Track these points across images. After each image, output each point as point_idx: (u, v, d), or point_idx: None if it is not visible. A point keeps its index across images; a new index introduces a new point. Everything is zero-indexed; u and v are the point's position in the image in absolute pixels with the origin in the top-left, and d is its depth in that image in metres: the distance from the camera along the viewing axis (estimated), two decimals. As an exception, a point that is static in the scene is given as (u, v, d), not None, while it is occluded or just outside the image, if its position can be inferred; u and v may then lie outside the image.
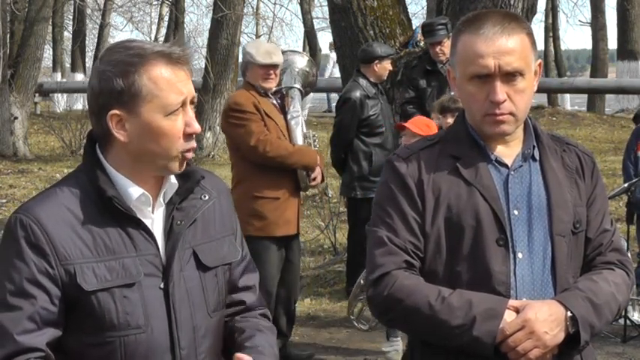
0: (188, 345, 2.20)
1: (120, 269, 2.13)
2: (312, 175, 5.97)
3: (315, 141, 6.19)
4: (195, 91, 2.21)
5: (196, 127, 2.17)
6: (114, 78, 2.13)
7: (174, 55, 2.15)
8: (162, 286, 2.17)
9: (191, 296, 2.21)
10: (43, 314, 2.09)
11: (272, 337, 2.37)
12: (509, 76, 2.33)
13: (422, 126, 5.92)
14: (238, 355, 2.21)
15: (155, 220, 2.21)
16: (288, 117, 5.99)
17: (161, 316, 2.16)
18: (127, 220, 2.16)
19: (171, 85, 2.14)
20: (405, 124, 6.08)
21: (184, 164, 2.20)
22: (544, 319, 2.29)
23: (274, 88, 5.97)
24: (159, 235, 2.20)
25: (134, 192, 2.17)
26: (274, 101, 5.95)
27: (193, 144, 2.18)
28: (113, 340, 2.12)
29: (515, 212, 2.38)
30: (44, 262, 2.09)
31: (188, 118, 2.16)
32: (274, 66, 5.83)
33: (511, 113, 2.35)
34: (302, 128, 6.06)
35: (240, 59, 6.41)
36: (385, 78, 7.33)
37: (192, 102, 2.19)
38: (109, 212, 2.15)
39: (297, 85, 6.23)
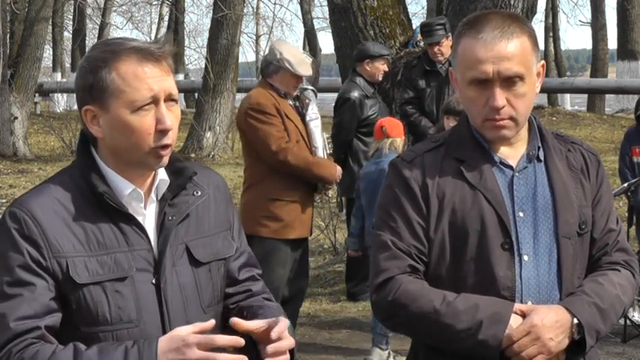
0: None
1: (112, 264, 2.13)
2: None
3: (328, 143, 6.16)
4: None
5: (168, 123, 2.14)
6: (86, 74, 2.15)
7: (148, 50, 2.14)
8: (154, 281, 2.18)
9: (184, 291, 2.21)
10: (41, 300, 2.09)
11: (282, 311, 2.35)
12: (509, 81, 2.30)
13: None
14: (234, 319, 2.19)
15: (147, 216, 2.22)
16: (307, 119, 5.91)
17: (153, 311, 2.17)
18: (119, 215, 2.16)
19: (140, 81, 2.12)
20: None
21: (162, 159, 2.18)
22: (550, 325, 2.28)
23: None
24: (151, 230, 2.21)
25: (125, 188, 2.18)
26: (291, 102, 5.90)
27: (166, 140, 2.15)
28: (106, 335, 2.13)
29: (521, 214, 2.36)
30: (37, 254, 2.09)
31: (160, 115, 2.14)
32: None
33: (511, 118, 2.33)
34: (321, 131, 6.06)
35: (263, 56, 6.40)
36: (379, 79, 7.30)
37: (169, 98, 2.16)
38: (101, 207, 2.15)
39: (310, 87, 6.16)
